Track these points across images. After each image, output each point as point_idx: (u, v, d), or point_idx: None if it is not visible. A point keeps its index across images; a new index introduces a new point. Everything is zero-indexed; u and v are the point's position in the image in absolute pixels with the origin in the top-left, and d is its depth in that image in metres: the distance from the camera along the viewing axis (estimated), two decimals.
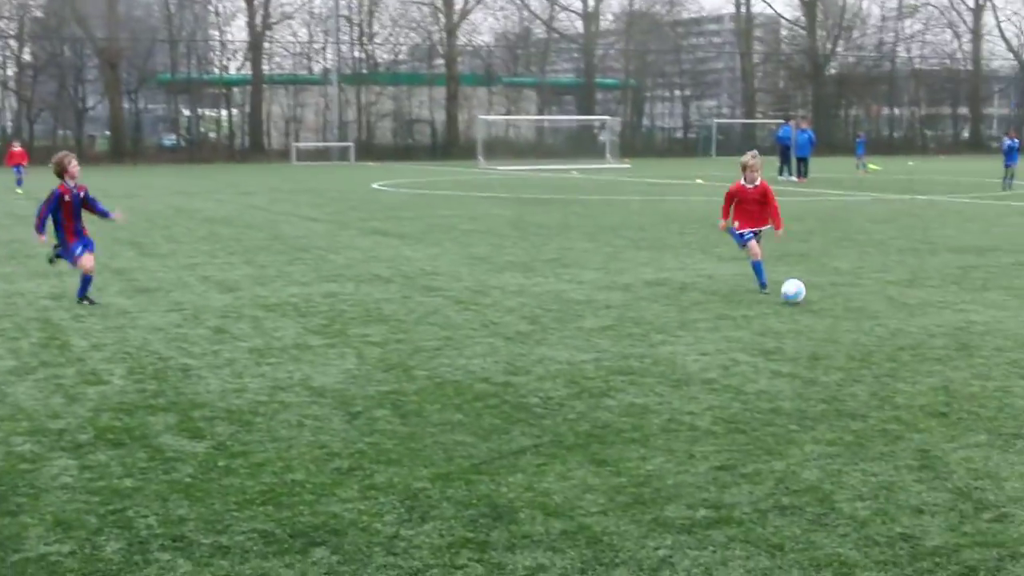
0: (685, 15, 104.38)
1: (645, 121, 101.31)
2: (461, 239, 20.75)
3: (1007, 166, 36.91)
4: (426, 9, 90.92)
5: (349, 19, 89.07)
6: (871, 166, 55.67)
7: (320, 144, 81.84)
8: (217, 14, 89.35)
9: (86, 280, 13.17)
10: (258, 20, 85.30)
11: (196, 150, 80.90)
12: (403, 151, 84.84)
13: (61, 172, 13.06)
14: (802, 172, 44.83)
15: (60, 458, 6.96)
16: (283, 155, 79.23)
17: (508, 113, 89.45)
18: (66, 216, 13.09)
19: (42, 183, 40.92)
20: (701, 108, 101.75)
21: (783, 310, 12.44)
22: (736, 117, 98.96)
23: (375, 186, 42.25)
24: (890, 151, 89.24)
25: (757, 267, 13.82)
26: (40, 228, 13.02)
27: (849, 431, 7.45)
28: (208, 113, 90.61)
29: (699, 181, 44.32)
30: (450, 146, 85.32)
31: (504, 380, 9.05)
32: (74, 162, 13.24)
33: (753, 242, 13.77)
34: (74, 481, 6.51)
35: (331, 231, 22.79)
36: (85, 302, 13.07)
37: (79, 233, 13.20)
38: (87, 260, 13.08)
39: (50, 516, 5.92)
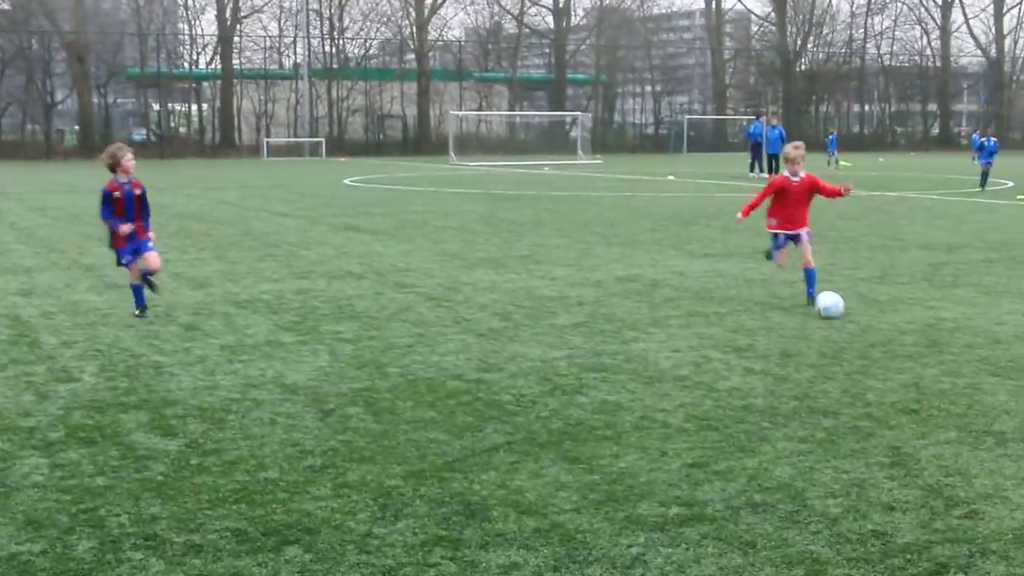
0: (656, 11, 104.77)
1: (616, 117, 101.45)
2: (433, 235, 20.73)
3: (985, 164, 36.59)
4: (396, 3, 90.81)
5: (319, 13, 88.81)
6: (842, 163, 55.96)
7: (291, 139, 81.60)
8: (186, 8, 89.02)
9: (145, 275, 11.91)
10: (228, 14, 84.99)
11: (166, 145, 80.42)
12: (374, 147, 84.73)
13: (114, 166, 11.64)
14: (773, 169, 44.93)
15: (31, 456, 6.92)
16: (254, 150, 78.98)
17: (480, 109, 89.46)
18: (118, 215, 11.62)
19: (8, 179, 40.54)
20: (672, 104, 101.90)
21: (754, 307, 12.49)
22: (707, 113, 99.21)
23: (346, 182, 42.15)
24: (860, 147, 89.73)
25: (771, 253, 13.10)
26: (113, 224, 11.62)
27: (821, 428, 7.48)
28: (178, 108, 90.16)
29: (671, 178, 44.43)
30: (422, 142, 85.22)
31: (477, 377, 9.05)
32: (128, 155, 11.74)
33: (784, 250, 12.84)
34: (45, 480, 6.47)
35: (302, 227, 22.72)
36: (137, 313, 11.85)
37: (132, 236, 11.71)
38: (151, 259, 11.78)
39: (21, 515, 5.89)
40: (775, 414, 7.86)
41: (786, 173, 12.66)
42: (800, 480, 6.39)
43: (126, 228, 11.56)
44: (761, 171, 45.58)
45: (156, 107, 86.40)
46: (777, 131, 45.88)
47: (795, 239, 12.66)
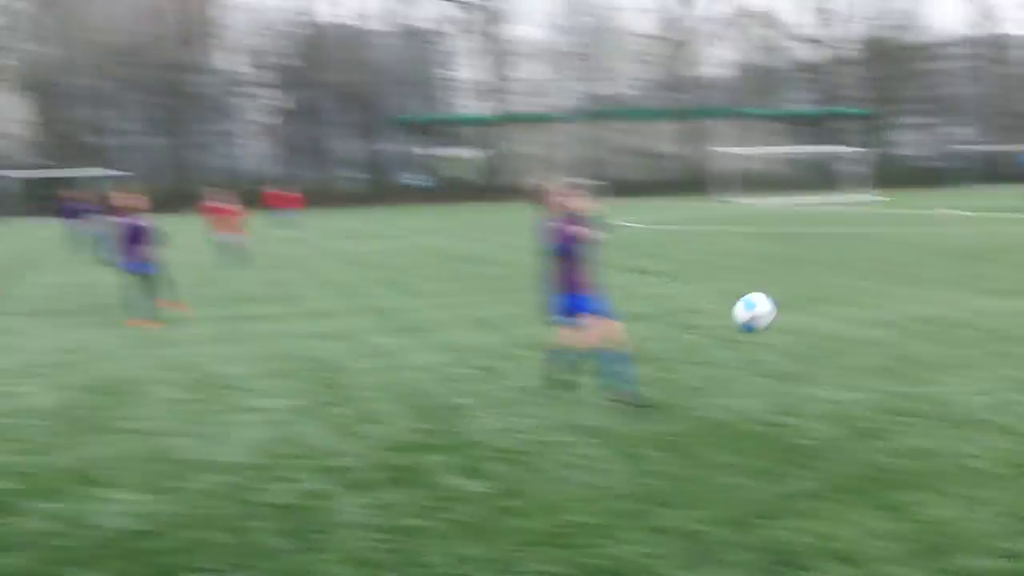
0: (924, 39, 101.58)
1: (889, 150, 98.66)
2: (716, 275, 20.61)
3: None
4: (660, 44, 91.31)
5: (585, 56, 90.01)
6: None
7: (567, 182, 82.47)
8: (455, 53, 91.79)
9: (612, 363, 9.55)
10: (494, 60, 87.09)
11: (444, 190, 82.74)
12: (647, 186, 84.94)
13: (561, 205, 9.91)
14: None
15: (346, 495, 7.23)
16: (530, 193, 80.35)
17: (749, 145, 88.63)
18: (565, 263, 9.87)
19: (301, 226, 42.51)
20: (949, 135, 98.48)
21: None
22: (986, 144, 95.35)
23: (622, 223, 42.38)
24: None
25: None
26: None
27: None
28: (453, 153, 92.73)
29: (941, 211, 42.91)
30: (693, 180, 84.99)
31: (774, 420, 8.94)
32: (578, 192, 9.88)
33: None
34: (363, 518, 6.74)
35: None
36: (622, 401, 9.45)
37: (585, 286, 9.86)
38: (602, 327, 9.71)
39: (344, 553, 6.15)
40: None
41: None
42: None
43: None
44: None
45: (431, 152, 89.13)
46: None
47: None
